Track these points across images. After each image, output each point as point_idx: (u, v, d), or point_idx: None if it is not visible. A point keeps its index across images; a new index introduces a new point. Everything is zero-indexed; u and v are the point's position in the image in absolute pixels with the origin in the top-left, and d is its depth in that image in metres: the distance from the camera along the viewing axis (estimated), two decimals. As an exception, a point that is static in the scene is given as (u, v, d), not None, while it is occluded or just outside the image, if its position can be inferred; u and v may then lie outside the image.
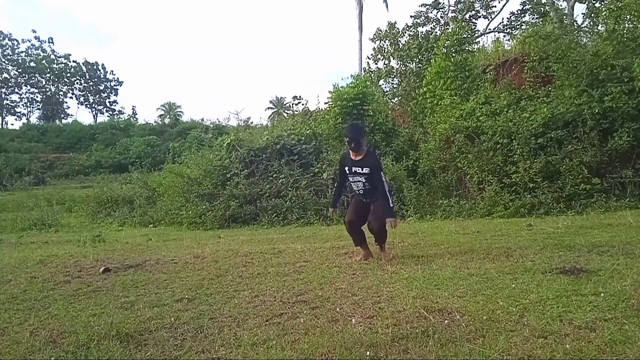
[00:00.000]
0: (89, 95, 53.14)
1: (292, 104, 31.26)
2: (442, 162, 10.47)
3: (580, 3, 17.70)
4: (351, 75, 20.03)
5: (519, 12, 20.88)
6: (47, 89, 50.84)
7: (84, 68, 51.60)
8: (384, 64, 19.06)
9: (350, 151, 4.58)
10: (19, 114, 49.64)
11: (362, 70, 24.64)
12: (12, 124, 50.35)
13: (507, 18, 21.43)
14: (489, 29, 21.95)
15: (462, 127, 9.81)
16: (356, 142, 4.47)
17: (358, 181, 4.54)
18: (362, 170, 4.46)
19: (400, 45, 18.41)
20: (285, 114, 33.42)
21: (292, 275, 4.08)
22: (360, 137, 4.55)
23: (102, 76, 53.32)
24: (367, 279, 3.81)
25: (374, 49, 19.91)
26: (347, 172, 4.57)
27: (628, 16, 9.37)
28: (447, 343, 2.37)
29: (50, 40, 49.33)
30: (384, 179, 4.45)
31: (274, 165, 10.20)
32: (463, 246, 5.03)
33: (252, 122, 28.73)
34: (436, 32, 20.01)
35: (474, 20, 21.34)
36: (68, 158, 30.61)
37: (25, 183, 22.80)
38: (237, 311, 3.10)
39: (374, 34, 19.83)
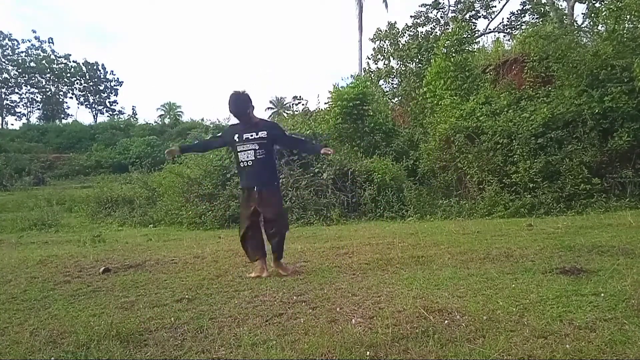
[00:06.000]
0: (89, 95, 53.10)
1: (292, 104, 31.31)
2: (442, 162, 10.47)
3: (580, 3, 17.73)
4: (351, 75, 20.06)
5: (519, 12, 20.89)
6: (47, 89, 50.80)
7: (84, 68, 51.57)
8: (384, 64, 19.08)
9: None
10: (19, 114, 49.65)
11: (362, 71, 24.63)
12: (12, 124, 50.37)
13: (507, 18, 21.47)
14: (489, 29, 21.97)
15: (462, 127, 9.81)
16: (244, 116, 4.00)
17: (249, 150, 3.95)
18: (258, 134, 3.96)
19: (400, 46, 18.43)
20: (285, 114, 33.39)
21: (292, 275, 4.08)
22: (247, 109, 4.00)
23: (102, 76, 53.30)
24: (367, 279, 3.81)
25: (374, 49, 19.94)
26: (237, 140, 3.99)
27: (628, 16, 9.38)
28: (447, 343, 2.37)
29: (50, 41, 49.35)
30: (292, 135, 4.19)
31: (274, 165, 10.20)
32: (463, 246, 5.03)
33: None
34: (436, 32, 20.02)
35: (474, 20, 21.35)
36: (68, 158, 30.55)
37: (25, 183, 22.75)
38: (237, 311, 3.10)
39: (374, 34, 19.86)
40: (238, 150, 4.02)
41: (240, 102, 4.00)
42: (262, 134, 4.00)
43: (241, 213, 4.30)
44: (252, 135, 3.98)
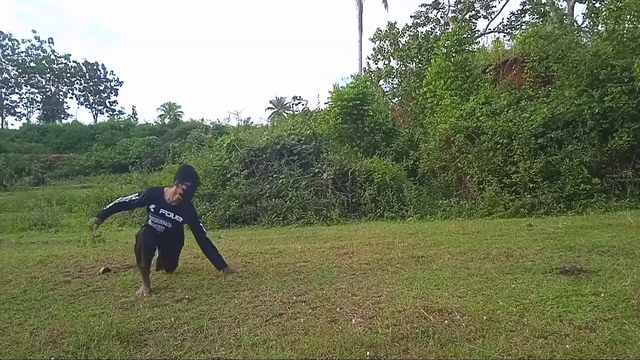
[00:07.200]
0: (89, 95, 53.04)
1: (292, 104, 31.24)
2: (442, 162, 10.48)
3: (580, 3, 17.71)
4: (351, 76, 20.06)
5: (519, 12, 20.85)
6: (47, 89, 50.73)
7: (84, 68, 51.50)
8: (384, 64, 19.07)
9: (169, 192, 4.03)
10: (19, 114, 49.58)
11: (362, 70, 24.64)
12: (12, 124, 50.38)
13: (507, 18, 21.39)
14: (489, 29, 21.93)
15: (462, 127, 9.82)
16: (194, 192, 4.17)
17: (160, 224, 4.03)
18: (174, 217, 4.04)
19: (400, 46, 18.42)
20: (285, 114, 33.34)
21: (292, 275, 4.08)
22: (197, 186, 4.17)
23: (102, 76, 53.23)
24: (367, 279, 3.81)
25: (374, 49, 19.93)
26: (152, 209, 4.02)
27: (628, 16, 9.38)
28: (447, 343, 2.37)
29: (50, 41, 49.30)
30: (203, 228, 4.29)
31: (274, 165, 10.20)
32: (463, 246, 5.03)
33: (252, 122, 28.77)
34: (436, 32, 20.00)
35: (474, 20, 21.29)
36: (68, 158, 30.52)
37: (25, 183, 22.70)
38: (237, 311, 3.10)
39: (374, 34, 19.83)
40: (150, 219, 4.06)
41: (197, 182, 4.17)
42: (178, 217, 4.07)
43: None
44: (168, 214, 4.03)
